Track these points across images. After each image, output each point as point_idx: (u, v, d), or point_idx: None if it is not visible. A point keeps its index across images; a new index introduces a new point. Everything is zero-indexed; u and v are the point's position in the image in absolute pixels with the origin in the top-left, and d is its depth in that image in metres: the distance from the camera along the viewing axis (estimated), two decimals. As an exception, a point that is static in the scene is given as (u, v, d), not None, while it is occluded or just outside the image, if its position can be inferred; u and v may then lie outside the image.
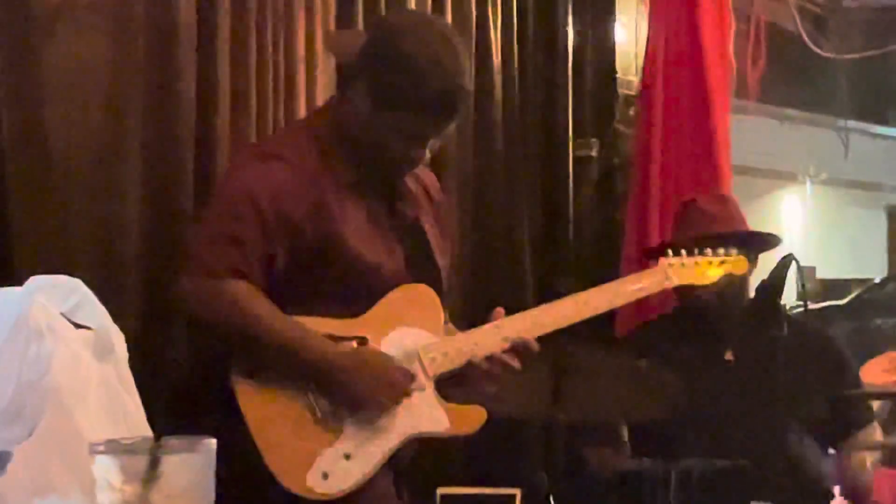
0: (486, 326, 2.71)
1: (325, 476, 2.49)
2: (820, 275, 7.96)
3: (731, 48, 4.40)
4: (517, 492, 2.93)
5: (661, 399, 2.88)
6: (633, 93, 4.46)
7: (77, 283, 2.36)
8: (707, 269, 2.99)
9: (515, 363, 2.68)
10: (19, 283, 2.34)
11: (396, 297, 2.65)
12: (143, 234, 2.97)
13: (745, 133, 5.79)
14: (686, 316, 3.49)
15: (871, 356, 3.65)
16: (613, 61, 4.49)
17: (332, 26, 3.45)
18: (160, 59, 3.01)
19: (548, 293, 3.79)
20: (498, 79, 4.00)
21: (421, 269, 2.72)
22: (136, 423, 2.28)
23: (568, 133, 4.29)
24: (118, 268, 2.91)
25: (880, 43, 6.53)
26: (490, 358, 2.67)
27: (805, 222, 8.96)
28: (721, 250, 3.01)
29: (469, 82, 2.67)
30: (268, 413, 2.49)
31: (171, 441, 1.70)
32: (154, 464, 1.65)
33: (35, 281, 2.30)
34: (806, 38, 6.11)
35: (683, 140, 4.21)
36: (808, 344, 3.14)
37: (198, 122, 3.08)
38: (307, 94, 3.33)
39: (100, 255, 2.89)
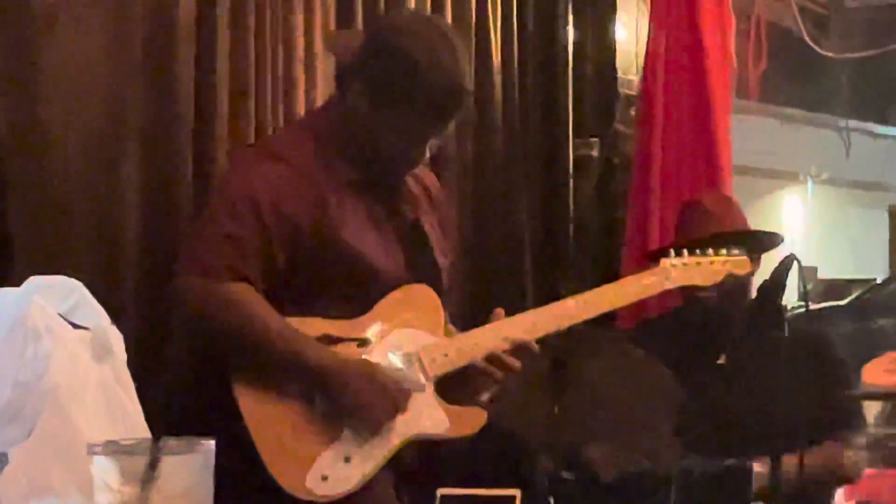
0: (487, 327, 2.70)
1: (325, 478, 2.49)
2: (821, 275, 7.95)
3: (732, 48, 4.40)
4: (517, 492, 2.92)
5: (660, 399, 2.88)
6: (633, 92, 4.46)
7: (75, 284, 2.35)
8: (709, 270, 2.98)
9: (516, 364, 2.67)
10: (17, 283, 2.34)
11: (396, 298, 2.64)
12: (141, 235, 2.96)
13: (746, 133, 5.79)
14: (686, 316, 3.49)
15: (873, 357, 3.64)
16: (614, 61, 4.49)
17: (332, 26, 3.44)
18: (159, 58, 3.01)
19: (548, 293, 3.79)
20: (498, 79, 3.99)
21: (421, 269, 2.71)
22: (134, 424, 2.28)
23: (568, 133, 4.29)
24: (116, 268, 2.91)
25: (881, 42, 6.52)
26: (490, 358, 2.67)
27: (806, 222, 8.95)
28: (723, 250, 3.01)
29: (469, 81, 2.66)
30: (267, 415, 2.49)
31: (170, 442, 1.70)
32: (153, 465, 1.65)
33: (33, 281, 2.30)
34: (807, 38, 6.11)
35: (684, 140, 4.21)
36: (804, 346, 3.13)
37: (196, 122, 3.07)
38: (306, 94, 3.33)
39: (98, 255, 2.88)
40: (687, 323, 3.48)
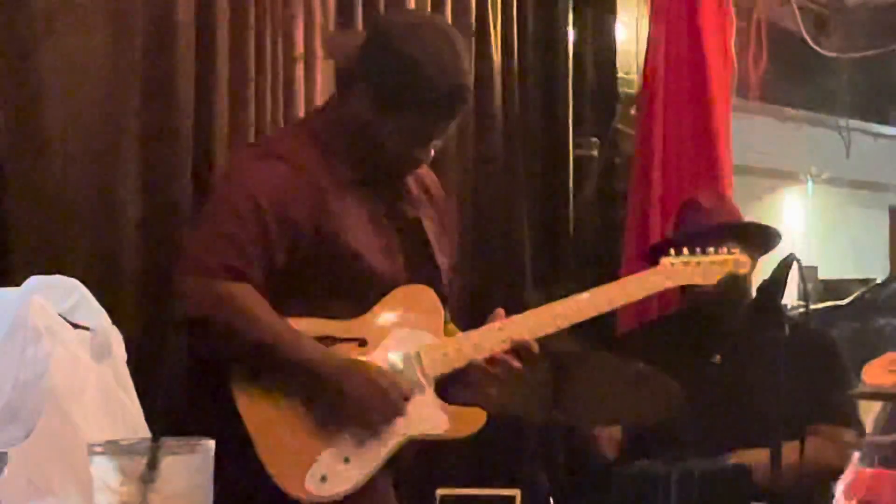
0: (486, 327, 2.70)
1: (324, 479, 2.48)
2: (821, 275, 7.93)
3: (732, 47, 4.39)
4: (517, 492, 2.92)
5: (658, 399, 2.88)
6: (633, 92, 4.46)
7: (75, 284, 2.36)
8: (709, 268, 2.98)
9: (516, 363, 2.67)
10: (17, 283, 2.34)
11: (396, 298, 2.64)
12: (140, 235, 2.96)
13: (747, 132, 5.77)
14: (687, 316, 3.49)
15: (873, 357, 3.63)
16: (614, 60, 4.49)
17: (332, 25, 3.44)
18: (158, 58, 3.01)
19: (548, 293, 3.78)
20: (498, 79, 3.99)
21: (421, 269, 2.71)
22: (134, 424, 2.28)
23: (568, 133, 4.28)
24: (116, 268, 2.91)
25: (883, 42, 6.51)
26: (490, 358, 2.66)
27: (806, 222, 8.94)
28: (724, 249, 3.01)
29: (470, 80, 2.66)
30: (266, 415, 2.49)
31: (170, 442, 1.70)
32: (152, 465, 1.65)
33: (33, 281, 2.30)
34: (808, 38, 6.10)
35: (684, 140, 4.20)
36: (803, 344, 3.12)
37: (196, 122, 3.07)
38: (306, 94, 3.33)
39: (98, 255, 2.88)
40: (685, 322, 3.48)
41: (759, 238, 3.45)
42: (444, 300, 2.72)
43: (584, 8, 4.40)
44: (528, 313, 2.75)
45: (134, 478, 1.63)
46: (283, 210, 2.52)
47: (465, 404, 2.65)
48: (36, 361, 2.14)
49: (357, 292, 2.60)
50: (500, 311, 2.73)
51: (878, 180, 9.68)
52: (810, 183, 8.83)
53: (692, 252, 2.97)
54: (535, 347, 2.68)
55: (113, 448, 1.71)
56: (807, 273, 2.82)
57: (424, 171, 2.81)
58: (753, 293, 3.25)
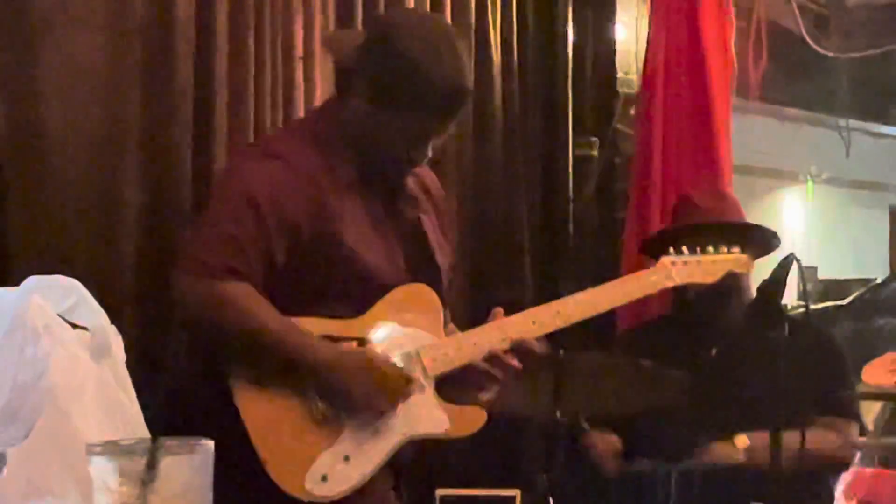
0: (486, 326, 2.70)
1: (324, 478, 2.48)
2: (821, 275, 7.93)
3: (732, 47, 4.39)
4: (517, 493, 2.92)
5: (662, 389, 2.88)
6: (633, 92, 4.46)
7: (74, 284, 2.36)
8: (709, 267, 2.98)
9: (516, 363, 2.67)
10: (16, 283, 2.34)
11: (396, 298, 2.64)
12: (140, 234, 2.96)
13: (746, 132, 5.77)
14: (686, 316, 3.48)
15: (873, 357, 3.64)
16: (614, 60, 4.49)
17: (331, 25, 3.44)
18: (158, 57, 3.01)
19: (548, 293, 3.78)
20: (498, 79, 3.99)
21: (421, 268, 2.71)
22: (133, 424, 2.28)
23: (568, 133, 4.29)
24: (115, 268, 2.91)
25: (882, 42, 6.51)
26: (490, 358, 2.66)
27: (806, 222, 8.94)
28: (724, 248, 3.00)
29: (470, 81, 2.66)
30: (266, 415, 2.48)
31: (169, 442, 1.70)
32: (151, 465, 1.65)
33: (32, 281, 2.30)
34: (807, 37, 6.10)
35: (684, 139, 4.20)
36: (804, 344, 3.12)
37: (195, 122, 3.07)
38: (305, 94, 3.33)
39: (97, 254, 2.88)
40: (684, 321, 3.48)
41: (757, 239, 3.44)
42: (443, 300, 2.72)
43: (584, 8, 4.40)
44: (527, 312, 2.74)
45: (133, 478, 1.63)
46: (283, 210, 2.52)
47: (465, 404, 2.65)
48: (35, 361, 2.13)
49: (357, 292, 2.60)
50: (500, 310, 2.73)
51: (878, 180, 9.68)
52: (810, 183, 8.84)
53: (692, 251, 2.97)
54: (536, 347, 2.68)
55: (112, 448, 1.71)
56: (807, 273, 2.82)
57: (424, 170, 2.81)
58: (752, 293, 3.26)
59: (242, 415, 2.46)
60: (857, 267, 8.94)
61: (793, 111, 8.07)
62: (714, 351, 3.42)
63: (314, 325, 2.54)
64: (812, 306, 5.60)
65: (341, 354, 2.54)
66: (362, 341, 2.58)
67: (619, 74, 4.51)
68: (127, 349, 2.42)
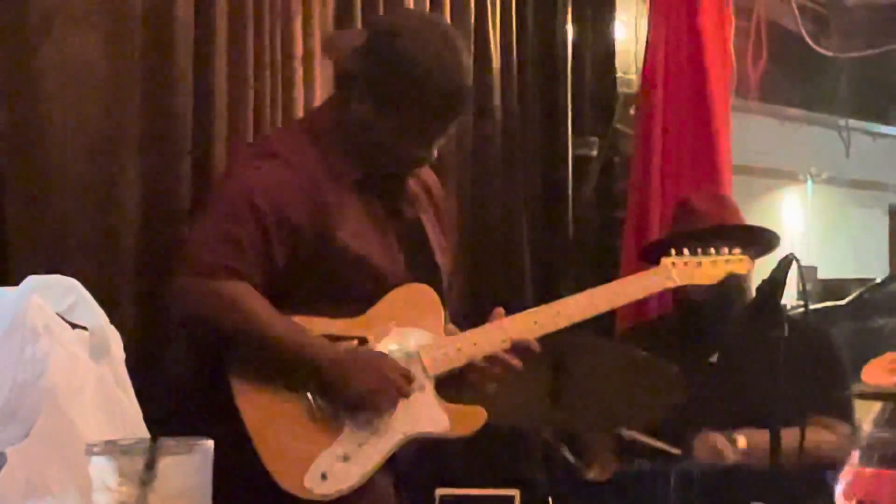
0: (486, 326, 2.70)
1: (324, 477, 2.48)
2: (821, 275, 7.94)
3: (731, 47, 4.39)
4: (516, 492, 2.92)
5: (660, 388, 2.88)
6: (633, 92, 4.45)
7: (74, 283, 2.35)
8: (710, 269, 2.98)
9: (516, 363, 2.67)
10: (16, 282, 2.33)
11: (397, 297, 2.64)
12: (139, 234, 2.96)
13: (746, 132, 5.78)
14: (685, 317, 3.48)
15: (872, 356, 3.63)
16: (613, 60, 4.49)
17: (331, 25, 3.44)
18: (157, 57, 3.00)
19: (548, 293, 3.78)
20: (497, 79, 3.99)
21: (421, 268, 2.71)
22: (132, 424, 2.27)
23: (567, 132, 4.28)
24: (115, 267, 2.90)
25: (882, 42, 6.52)
26: (490, 358, 2.66)
27: (806, 222, 8.95)
28: (725, 249, 3.00)
29: (471, 81, 2.66)
30: (266, 414, 2.48)
31: (168, 442, 1.70)
32: (151, 465, 1.64)
33: (31, 281, 2.30)
34: (807, 37, 6.10)
35: (683, 139, 4.20)
36: (803, 344, 3.12)
37: (195, 122, 3.07)
38: (305, 94, 3.32)
39: (96, 254, 2.88)
40: (683, 322, 3.48)
41: (758, 241, 3.44)
42: (444, 300, 2.72)
43: (584, 8, 4.40)
44: (527, 313, 2.74)
45: (132, 478, 1.63)
46: (283, 210, 2.52)
47: (465, 404, 2.65)
48: (34, 361, 2.13)
49: (357, 292, 2.60)
50: (500, 310, 2.73)
51: (878, 180, 9.68)
52: (810, 182, 8.84)
53: (693, 252, 2.97)
54: (536, 347, 2.68)
55: (111, 448, 1.71)
56: (806, 273, 2.82)
57: (424, 170, 2.81)
58: (751, 293, 3.26)
59: (242, 413, 2.46)
60: (857, 267, 8.95)
61: (792, 111, 8.08)
62: (713, 351, 3.42)
63: (314, 325, 2.54)
64: (811, 306, 5.60)
65: (341, 353, 2.54)
66: (363, 340, 2.58)
67: (619, 74, 4.51)
68: (126, 349, 2.41)
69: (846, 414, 3.41)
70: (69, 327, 2.27)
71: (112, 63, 2.92)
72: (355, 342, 2.58)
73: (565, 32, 4.31)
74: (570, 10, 4.33)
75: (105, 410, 2.21)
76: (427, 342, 2.64)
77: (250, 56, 3.18)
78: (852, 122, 8.43)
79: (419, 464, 2.78)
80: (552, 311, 2.76)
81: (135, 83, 2.96)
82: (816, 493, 3.40)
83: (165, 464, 1.64)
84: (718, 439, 3.20)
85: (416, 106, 2.55)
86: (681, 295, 3.39)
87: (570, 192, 4.28)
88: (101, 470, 1.66)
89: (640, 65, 4.39)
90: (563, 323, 2.75)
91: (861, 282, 7.34)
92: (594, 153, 4.41)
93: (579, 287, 2.90)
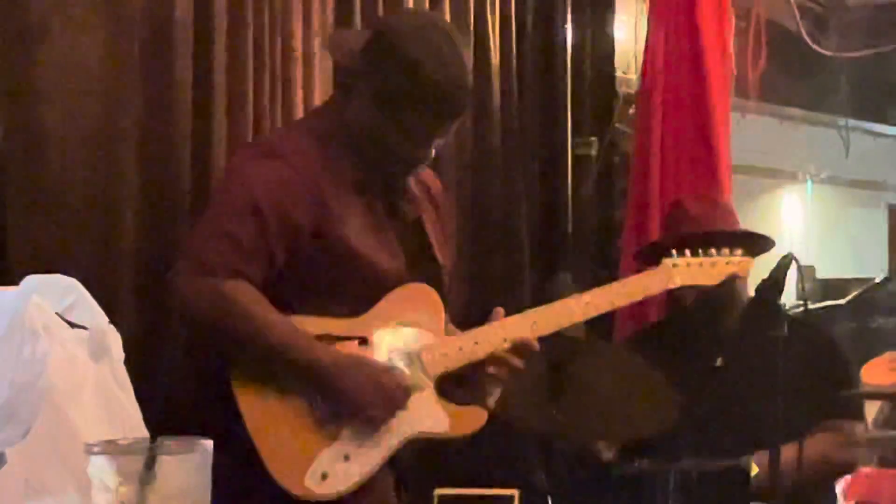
0: (487, 326, 2.70)
1: (324, 476, 2.48)
2: (820, 274, 7.93)
3: (731, 46, 4.39)
4: (516, 492, 2.92)
5: (659, 402, 2.88)
6: (632, 91, 4.46)
7: (73, 283, 2.35)
8: (711, 270, 2.97)
9: (516, 363, 2.67)
10: (15, 282, 2.33)
11: (397, 297, 2.64)
12: (139, 234, 2.96)
13: (745, 132, 5.77)
14: (685, 320, 3.48)
15: (872, 356, 3.64)
16: (613, 60, 4.49)
17: (330, 25, 3.44)
18: (156, 57, 3.00)
19: (548, 293, 3.78)
20: (497, 79, 3.99)
21: (422, 268, 2.71)
22: (132, 423, 2.28)
23: (567, 132, 4.28)
24: (114, 267, 2.90)
25: (881, 41, 6.52)
26: (490, 358, 2.66)
27: (805, 221, 8.94)
28: (726, 251, 3.00)
29: (471, 81, 2.66)
30: (266, 413, 2.48)
31: (168, 442, 1.70)
32: (150, 464, 1.64)
33: (31, 280, 2.30)
34: (806, 37, 6.10)
35: (683, 139, 4.20)
36: (803, 344, 3.12)
37: (194, 122, 3.07)
38: (305, 94, 3.33)
39: (96, 254, 2.88)
40: (683, 325, 3.47)
41: (751, 248, 3.43)
42: (444, 299, 2.72)
43: (583, 8, 4.40)
44: (528, 312, 2.74)
45: (132, 478, 1.63)
46: (283, 209, 2.52)
47: (465, 404, 2.65)
48: (34, 361, 2.13)
49: (358, 291, 2.60)
50: (500, 310, 2.73)
51: (877, 179, 9.67)
52: (809, 182, 8.83)
53: (694, 253, 2.97)
54: (536, 347, 2.68)
55: (111, 448, 1.71)
56: (805, 272, 2.82)
57: (425, 171, 2.81)
58: (750, 294, 3.25)
59: (243, 413, 2.46)
60: (856, 266, 8.94)
61: (792, 111, 8.07)
62: (717, 354, 3.41)
63: (315, 325, 2.53)
64: (811, 305, 5.59)
65: (340, 358, 2.53)
66: (363, 340, 2.58)
67: (618, 74, 4.51)
68: (126, 349, 2.41)
69: (856, 413, 3.39)
70: (68, 327, 2.27)
71: (112, 63, 2.92)
72: (356, 342, 2.58)
73: (565, 32, 4.32)
74: (569, 10, 4.33)
75: (104, 410, 2.22)
76: (428, 342, 2.64)
77: (249, 55, 3.18)
78: (852, 122, 8.42)
79: (419, 464, 2.78)
80: (552, 311, 2.76)
81: (135, 83, 2.96)
82: (818, 494, 3.40)
83: (165, 463, 1.64)
84: None
85: (415, 106, 2.55)
86: (680, 296, 3.38)
87: (569, 191, 4.28)
88: (101, 470, 1.66)
89: (640, 65, 4.39)
90: (562, 323, 2.75)
91: (860, 281, 7.33)
92: (593, 152, 4.41)
93: (579, 287, 2.90)
